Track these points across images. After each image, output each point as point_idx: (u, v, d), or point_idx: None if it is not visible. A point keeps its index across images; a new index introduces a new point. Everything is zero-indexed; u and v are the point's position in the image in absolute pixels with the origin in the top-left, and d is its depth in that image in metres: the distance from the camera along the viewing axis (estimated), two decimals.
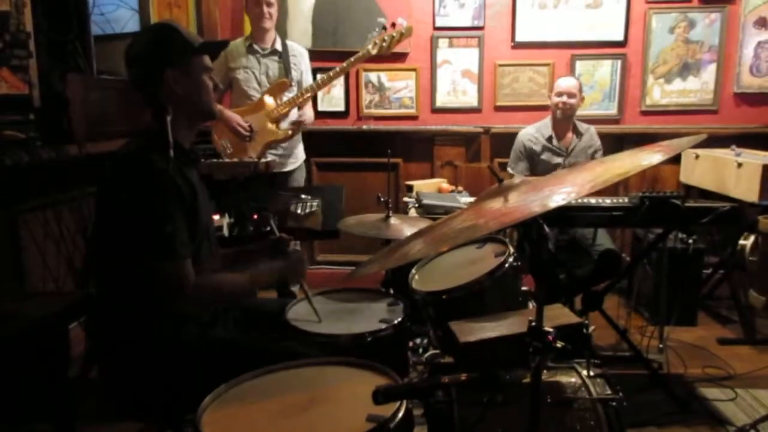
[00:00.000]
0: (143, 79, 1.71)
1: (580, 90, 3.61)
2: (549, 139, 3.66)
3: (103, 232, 1.69)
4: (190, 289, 1.60)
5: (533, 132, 3.71)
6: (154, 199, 1.57)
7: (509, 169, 3.77)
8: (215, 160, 3.13)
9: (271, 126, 3.37)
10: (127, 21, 3.93)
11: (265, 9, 3.39)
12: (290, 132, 3.39)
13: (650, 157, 1.26)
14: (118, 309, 1.67)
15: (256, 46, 3.47)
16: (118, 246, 1.62)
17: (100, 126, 2.76)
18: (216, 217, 2.35)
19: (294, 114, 3.47)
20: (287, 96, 3.41)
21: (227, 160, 3.22)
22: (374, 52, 3.31)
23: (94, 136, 2.69)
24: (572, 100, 3.55)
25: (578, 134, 3.67)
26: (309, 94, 3.39)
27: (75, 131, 2.64)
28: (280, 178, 3.46)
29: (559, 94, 3.58)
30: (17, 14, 2.42)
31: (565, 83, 3.60)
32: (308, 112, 3.55)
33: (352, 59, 3.32)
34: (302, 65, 3.57)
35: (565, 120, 3.62)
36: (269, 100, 3.38)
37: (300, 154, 3.67)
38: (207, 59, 1.77)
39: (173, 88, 1.68)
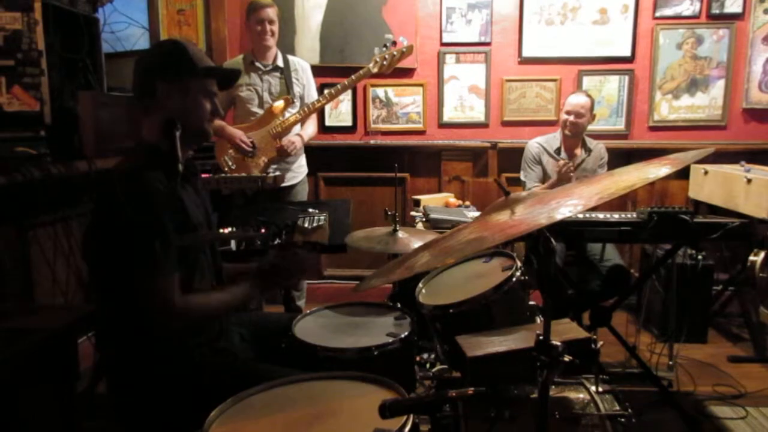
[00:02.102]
0: (138, 88, 1.74)
1: (591, 108, 3.58)
2: (557, 151, 3.66)
3: (96, 249, 1.69)
4: (176, 307, 1.60)
5: (542, 141, 3.72)
6: (141, 216, 1.57)
7: (522, 177, 3.78)
8: (223, 175, 3.15)
9: (273, 142, 3.39)
10: (138, 39, 3.99)
11: (268, 27, 3.43)
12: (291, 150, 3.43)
13: (657, 170, 1.26)
14: (122, 324, 1.68)
15: (257, 63, 3.50)
16: (109, 264, 1.63)
17: (110, 142, 2.79)
18: (227, 230, 2.36)
19: (296, 130, 3.50)
20: (289, 112, 3.44)
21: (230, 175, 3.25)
22: (375, 70, 3.37)
23: (103, 153, 2.71)
24: (580, 120, 3.54)
25: (587, 150, 3.67)
26: (311, 110, 3.41)
27: (85, 147, 2.66)
28: (281, 192, 3.48)
29: (568, 113, 3.57)
30: (29, 33, 2.45)
31: (575, 101, 3.57)
32: (309, 129, 3.58)
33: (353, 77, 3.39)
34: (304, 79, 3.61)
35: (573, 136, 3.62)
36: (271, 117, 3.41)
37: (302, 168, 3.69)
38: (211, 84, 1.77)
39: (164, 102, 1.70)
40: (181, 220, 1.66)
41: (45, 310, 2.41)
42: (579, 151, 3.68)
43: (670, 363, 3.19)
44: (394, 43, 3.39)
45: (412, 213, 3.49)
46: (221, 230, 2.30)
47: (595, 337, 1.53)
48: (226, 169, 3.37)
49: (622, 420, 1.52)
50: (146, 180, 1.60)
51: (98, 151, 2.69)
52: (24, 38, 2.45)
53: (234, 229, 2.36)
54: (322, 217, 2.61)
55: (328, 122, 4.32)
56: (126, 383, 1.71)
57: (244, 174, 3.18)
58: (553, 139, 3.70)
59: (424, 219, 3.15)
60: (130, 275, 1.58)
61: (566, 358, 1.18)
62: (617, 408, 1.56)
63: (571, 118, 3.55)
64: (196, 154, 1.92)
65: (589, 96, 3.61)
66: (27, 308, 2.42)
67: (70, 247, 2.74)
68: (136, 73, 1.74)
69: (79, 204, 2.79)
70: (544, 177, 3.70)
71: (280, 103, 3.42)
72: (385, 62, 3.36)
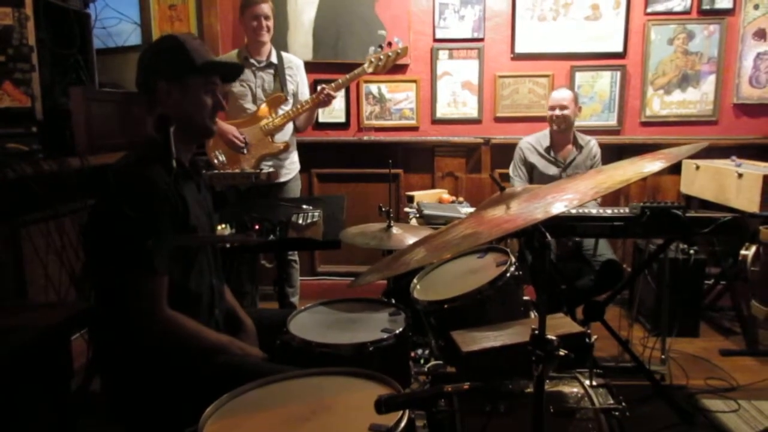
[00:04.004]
0: (140, 86, 1.75)
1: (575, 101, 3.63)
2: (547, 150, 3.68)
3: (93, 243, 1.69)
4: (163, 313, 1.61)
5: (532, 141, 3.74)
6: (139, 213, 1.57)
7: (510, 173, 3.82)
8: (216, 171, 3.14)
9: (265, 139, 3.39)
10: (129, 35, 3.97)
11: (263, 22, 3.42)
12: (285, 145, 3.42)
13: (651, 164, 1.26)
14: (116, 320, 1.67)
15: (252, 59, 3.49)
16: (104, 258, 1.63)
17: (102, 138, 2.77)
18: (222, 226, 2.35)
19: (289, 127, 3.49)
20: (282, 109, 3.42)
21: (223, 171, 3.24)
22: (370, 70, 3.37)
23: (95, 149, 2.70)
24: (565, 112, 3.58)
25: (578, 147, 3.68)
26: (304, 108, 3.40)
27: (77, 144, 2.65)
28: (274, 189, 3.47)
29: (552, 108, 3.63)
30: (20, 28, 2.43)
31: (558, 95, 3.65)
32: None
33: (347, 76, 3.38)
34: (298, 77, 3.60)
35: (561, 132, 3.64)
36: (264, 113, 3.40)
37: (294, 165, 3.69)
38: (213, 79, 1.77)
39: (165, 101, 1.70)
40: (180, 219, 1.66)
41: (38, 307, 2.40)
42: (570, 148, 3.69)
43: (663, 357, 3.21)
44: (390, 43, 3.38)
45: (406, 209, 3.50)
46: (218, 227, 2.29)
47: (589, 331, 1.54)
48: (217, 164, 3.36)
49: (616, 413, 1.53)
50: (146, 176, 1.60)
51: (90, 148, 2.68)
52: (15, 34, 2.43)
53: (230, 228, 2.35)
54: (316, 214, 2.61)
55: (321, 119, 4.30)
56: (120, 380, 1.70)
57: (237, 170, 3.16)
58: (543, 137, 3.72)
59: (417, 215, 3.15)
60: (119, 273, 1.58)
61: (561, 353, 1.19)
62: (611, 402, 1.57)
63: (557, 111, 3.60)
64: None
65: (570, 89, 3.68)
66: (20, 306, 2.41)
67: (63, 245, 2.73)
68: (138, 72, 1.75)
69: (71, 201, 2.77)
70: (533, 176, 3.72)
71: (264, 107, 3.41)
72: (380, 62, 3.35)
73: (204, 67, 1.73)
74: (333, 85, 3.37)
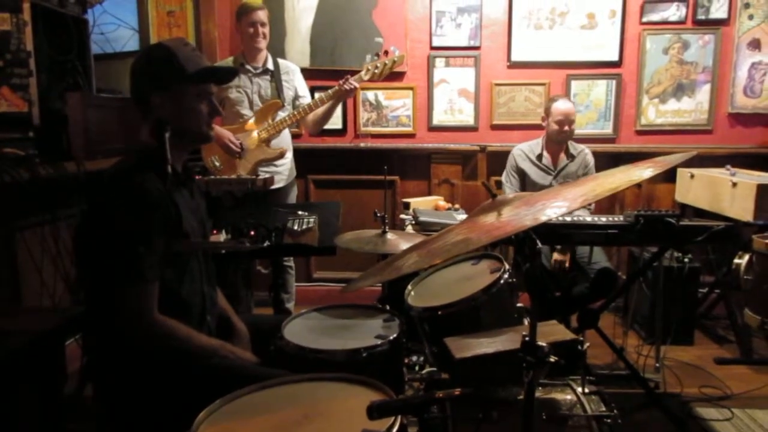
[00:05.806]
0: (133, 96, 1.75)
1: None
2: (538, 158, 3.68)
3: (84, 249, 1.70)
4: (151, 319, 1.61)
5: (525, 149, 3.74)
6: (131, 220, 1.58)
7: (503, 181, 3.82)
8: (213, 176, 3.15)
9: (261, 145, 3.40)
10: (127, 40, 3.99)
11: (260, 29, 3.43)
12: (281, 151, 3.43)
13: (641, 172, 1.27)
14: (108, 325, 1.68)
15: (248, 66, 3.50)
16: (96, 263, 1.64)
17: (99, 144, 2.77)
18: (215, 232, 2.35)
19: (286, 134, 3.50)
20: (279, 115, 3.44)
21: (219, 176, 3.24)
22: (366, 78, 3.38)
23: (92, 154, 2.70)
24: (574, 125, 3.58)
25: (569, 155, 3.67)
26: (301, 115, 3.41)
27: (74, 149, 2.65)
28: (271, 194, 3.48)
29: (561, 122, 3.53)
30: (18, 33, 2.44)
31: (565, 109, 3.54)
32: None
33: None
34: (295, 81, 3.61)
35: (561, 141, 3.64)
36: (261, 120, 3.41)
37: (290, 171, 3.69)
38: (207, 86, 1.77)
39: (160, 111, 1.70)
40: (172, 226, 1.67)
41: (32, 312, 2.40)
42: (562, 156, 3.69)
43: (657, 365, 3.22)
44: (386, 52, 3.40)
45: (402, 216, 3.50)
46: (213, 233, 2.30)
47: (582, 338, 1.54)
48: (213, 169, 3.37)
49: (609, 421, 1.54)
50: (139, 183, 1.60)
51: (87, 153, 2.68)
52: (12, 39, 2.43)
53: (225, 234, 2.36)
54: (312, 220, 2.62)
55: None
56: (113, 385, 1.71)
57: (233, 176, 3.17)
58: (535, 145, 3.72)
59: (413, 222, 3.16)
60: (110, 278, 1.59)
61: (552, 359, 1.19)
62: (603, 409, 1.58)
63: (566, 127, 3.54)
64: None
65: (570, 100, 3.67)
66: (14, 310, 2.41)
67: (58, 250, 2.72)
68: (131, 81, 1.75)
69: (67, 206, 2.77)
70: (525, 183, 3.72)
71: (260, 113, 3.42)
72: (377, 70, 3.36)
73: (196, 75, 1.73)
74: (331, 92, 3.36)
